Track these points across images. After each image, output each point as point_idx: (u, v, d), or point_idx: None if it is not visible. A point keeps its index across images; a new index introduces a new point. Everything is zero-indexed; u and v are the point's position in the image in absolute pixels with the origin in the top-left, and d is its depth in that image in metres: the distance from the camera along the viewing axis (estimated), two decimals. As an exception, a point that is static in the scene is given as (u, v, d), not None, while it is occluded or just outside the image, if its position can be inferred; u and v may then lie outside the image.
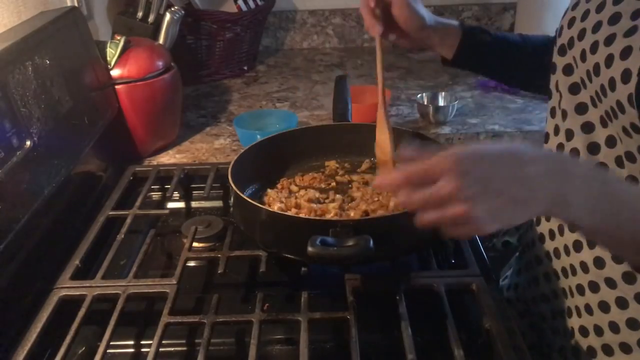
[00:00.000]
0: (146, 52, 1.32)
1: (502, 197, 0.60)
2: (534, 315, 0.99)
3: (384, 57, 0.94)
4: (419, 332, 0.78)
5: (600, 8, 0.79)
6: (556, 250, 0.90)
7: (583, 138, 0.83)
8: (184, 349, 0.84)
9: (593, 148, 0.82)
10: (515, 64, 1.07)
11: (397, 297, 0.83)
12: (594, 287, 0.84)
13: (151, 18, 1.51)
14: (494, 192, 0.59)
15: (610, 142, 0.79)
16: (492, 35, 1.05)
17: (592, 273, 0.83)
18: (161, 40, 1.49)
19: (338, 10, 2.06)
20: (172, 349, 0.83)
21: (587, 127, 0.82)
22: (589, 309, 0.85)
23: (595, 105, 0.79)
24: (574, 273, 0.87)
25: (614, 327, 0.82)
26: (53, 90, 1.04)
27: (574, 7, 0.86)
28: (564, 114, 0.86)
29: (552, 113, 0.91)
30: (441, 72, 1.81)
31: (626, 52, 0.72)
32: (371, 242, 0.75)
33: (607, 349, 0.84)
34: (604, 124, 0.79)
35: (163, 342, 0.79)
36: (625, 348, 0.82)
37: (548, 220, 0.92)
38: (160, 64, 1.33)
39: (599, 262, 0.82)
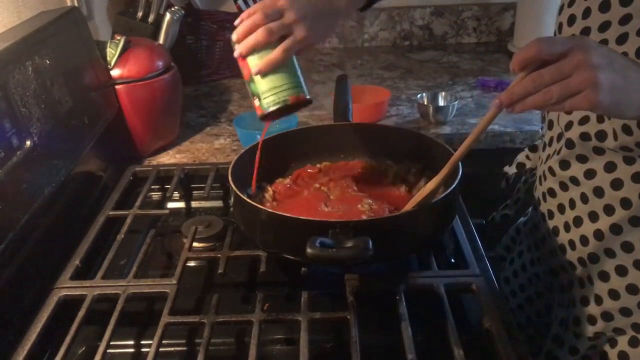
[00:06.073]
0: (146, 52, 1.32)
1: (623, 77, 0.65)
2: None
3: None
4: (419, 332, 0.79)
5: (587, 14, 0.81)
6: (555, 228, 0.95)
7: (578, 129, 0.85)
8: (184, 349, 0.84)
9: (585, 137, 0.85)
10: None
11: (397, 297, 0.83)
12: (595, 258, 0.88)
13: (151, 18, 1.52)
14: (618, 68, 0.65)
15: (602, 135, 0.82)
16: None
17: (592, 245, 0.88)
18: (161, 40, 1.49)
19: (338, 10, 2.06)
20: (172, 349, 0.83)
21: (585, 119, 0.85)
22: (590, 280, 0.90)
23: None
24: (573, 248, 0.91)
25: (614, 294, 0.87)
26: (53, 90, 1.04)
27: (560, 11, 0.88)
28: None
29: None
30: (441, 72, 1.81)
31: None
32: (370, 243, 0.74)
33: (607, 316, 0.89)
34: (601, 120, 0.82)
35: (163, 342, 0.79)
36: (626, 312, 0.87)
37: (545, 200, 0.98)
38: (160, 64, 1.33)
39: (598, 235, 0.87)
